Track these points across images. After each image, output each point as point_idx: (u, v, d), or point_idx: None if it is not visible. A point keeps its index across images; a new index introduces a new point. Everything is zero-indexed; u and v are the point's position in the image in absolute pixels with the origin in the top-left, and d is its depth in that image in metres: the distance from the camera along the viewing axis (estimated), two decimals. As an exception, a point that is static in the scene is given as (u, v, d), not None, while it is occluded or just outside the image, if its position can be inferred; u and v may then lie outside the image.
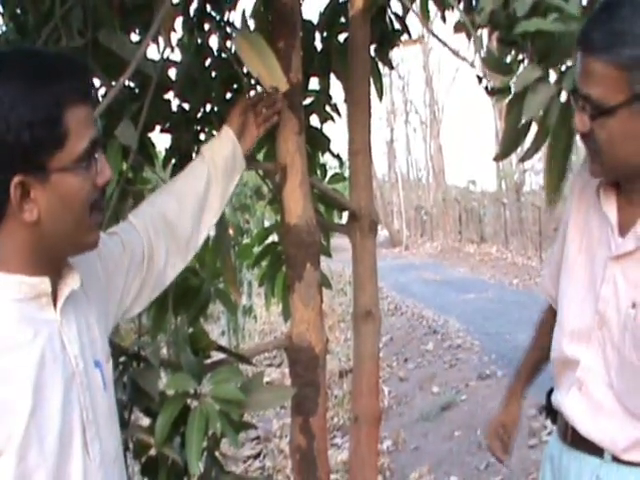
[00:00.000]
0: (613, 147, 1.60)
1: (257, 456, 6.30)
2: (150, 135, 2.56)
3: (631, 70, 1.51)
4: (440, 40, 2.36)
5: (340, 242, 3.06)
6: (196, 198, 1.92)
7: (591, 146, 1.64)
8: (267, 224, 7.25)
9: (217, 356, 1.92)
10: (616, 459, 1.76)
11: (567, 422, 1.87)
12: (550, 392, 2.05)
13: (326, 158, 3.07)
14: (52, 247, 1.33)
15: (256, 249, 3.14)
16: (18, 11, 2.11)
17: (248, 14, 2.47)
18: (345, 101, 2.63)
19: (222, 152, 2.00)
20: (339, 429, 6.88)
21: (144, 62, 1.88)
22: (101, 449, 1.39)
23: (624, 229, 1.73)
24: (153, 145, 2.63)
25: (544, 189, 2.02)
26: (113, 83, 1.87)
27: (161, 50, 2.16)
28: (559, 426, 1.95)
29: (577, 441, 1.85)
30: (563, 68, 1.85)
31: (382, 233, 32.60)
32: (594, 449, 1.80)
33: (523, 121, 1.84)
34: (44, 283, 1.32)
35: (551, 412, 2.05)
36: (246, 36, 1.94)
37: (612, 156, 1.62)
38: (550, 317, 2.11)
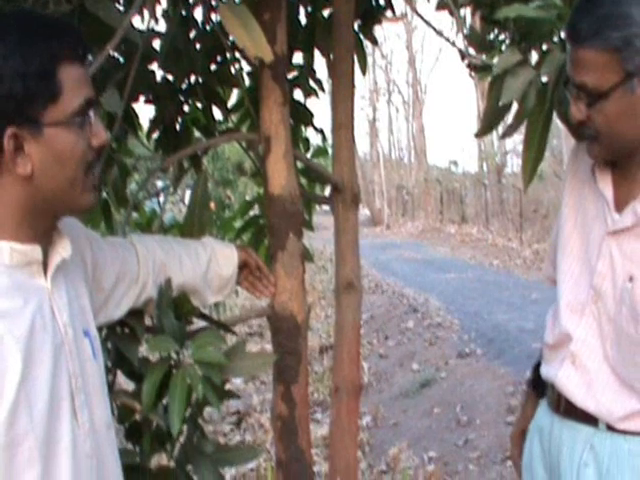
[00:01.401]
0: (611, 129, 1.63)
1: (237, 427, 6.34)
2: (134, 106, 2.58)
3: (622, 51, 1.55)
4: (423, 19, 2.38)
5: (321, 220, 3.08)
6: (195, 276, 1.92)
7: (589, 132, 1.67)
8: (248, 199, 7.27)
9: (198, 325, 1.94)
10: (610, 428, 1.79)
11: (560, 394, 1.89)
12: (537, 366, 2.08)
13: (309, 133, 3.09)
14: (46, 205, 1.34)
15: (238, 222, 3.17)
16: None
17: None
18: (329, 76, 2.65)
19: (224, 260, 2.02)
20: (319, 404, 6.92)
21: (130, 31, 1.88)
22: (90, 416, 1.40)
23: (620, 205, 1.76)
24: (137, 115, 2.64)
25: (521, 171, 2.06)
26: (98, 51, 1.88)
27: (146, 21, 2.16)
28: (550, 398, 1.97)
29: (570, 411, 1.87)
30: (544, 48, 1.88)
31: (363, 212, 32.68)
32: (588, 418, 1.83)
33: (502, 102, 1.88)
34: (35, 250, 1.33)
35: (538, 386, 2.09)
36: (232, 7, 1.95)
37: (611, 137, 1.66)
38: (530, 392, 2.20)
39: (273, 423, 2.21)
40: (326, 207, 2.55)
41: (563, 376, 1.86)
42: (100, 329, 1.66)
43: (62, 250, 1.40)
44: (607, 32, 1.55)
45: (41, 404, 1.27)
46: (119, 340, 1.78)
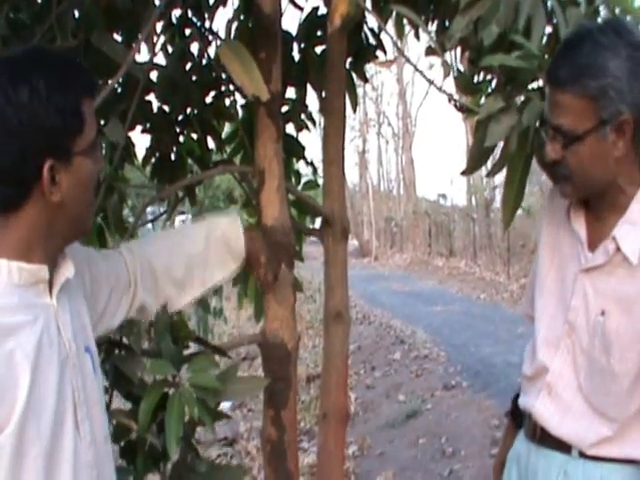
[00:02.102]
0: (583, 170, 1.74)
1: (230, 449, 6.38)
2: (130, 134, 2.65)
3: (597, 99, 1.66)
4: (411, 63, 2.47)
5: (309, 250, 3.15)
6: (185, 263, 1.97)
7: (563, 171, 1.78)
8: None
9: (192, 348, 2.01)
10: (583, 454, 1.88)
11: (536, 423, 1.98)
12: (516, 397, 2.17)
13: (300, 165, 3.16)
14: (64, 229, 1.45)
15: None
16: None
17: (230, 24, 2.58)
18: (320, 111, 2.73)
19: (225, 226, 2.07)
20: (306, 433, 6.96)
21: (132, 65, 1.97)
22: (91, 429, 1.48)
23: (593, 244, 1.87)
24: (133, 144, 2.72)
25: (502, 210, 2.16)
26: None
27: (144, 53, 2.25)
28: (527, 427, 2.06)
29: (546, 439, 1.96)
30: (523, 99, 1.99)
31: (352, 243, 32.67)
32: (562, 446, 1.92)
33: (486, 145, 1.98)
34: (43, 270, 1.42)
35: (517, 416, 2.17)
36: (230, 45, 2.04)
37: (583, 178, 1.76)
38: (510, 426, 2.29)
39: (262, 447, 2.27)
40: (314, 238, 2.62)
41: (540, 406, 1.95)
42: (99, 346, 1.73)
43: (66, 271, 1.49)
44: (585, 80, 1.66)
45: (47, 416, 1.35)
46: (120, 361, 1.85)
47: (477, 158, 2.15)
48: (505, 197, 2.12)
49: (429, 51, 2.31)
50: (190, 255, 1.98)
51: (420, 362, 9.75)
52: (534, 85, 2.04)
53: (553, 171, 1.83)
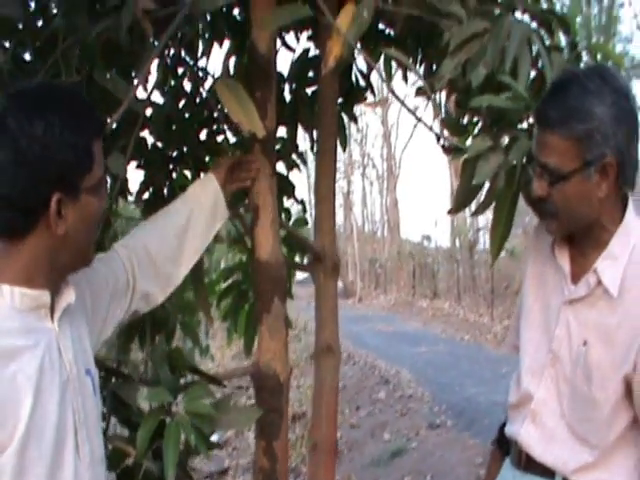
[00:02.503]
0: (569, 208, 1.81)
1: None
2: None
3: (583, 141, 1.74)
4: (401, 102, 2.54)
5: (295, 290, 3.20)
6: (177, 236, 2.07)
7: (549, 208, 1.84)
8: (222, 265, 7.33)
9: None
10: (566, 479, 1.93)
11: (521, 449, 2.04)
12: (502, 426, 2.22)
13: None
14: (66, 259, 1.50)
15: (219, 287, 3.27)
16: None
17: (226, 62, 2.65)
18: (311, 149, 2.81)
19: (206, 197, 2.16)
20: (293, 471, 6.94)
21: (133, 101, 2.04)
22: (90, 450, 1.52)
23: (576, 278, 1.94)
24: (127, 180, 2.77)
25: (489, 246, 2.23)
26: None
27: (140, 90, 2.30)
28: (513, 454, 2.11)
29: (531, 466, 2.01)
30: (510, 138, 2.06)
31: (336, 284, 32.59)
32: (546, 472, 1.97)
33: (474, 183, 2.05)
34: (45, 296, 1.47)
35: (503, 444, 2.22)
36: (227, 83, 2.11)
37: (568, 215, 1.83)
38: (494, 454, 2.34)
39: (255, 476, 2.30)
40: (300, 277, 2.68)
41: (525, 433, 2.01)
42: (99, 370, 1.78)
43: (68, 296, 1.54)
44: (572, 123, 1.74)
45: (49, 436, 1.40)
46: (118, 388, 1.89)
47: (464, 197, 2.22)
48: (493, 234, 2.19)
49: (419, 92, 2.38)
50: (179, 229, 2.07)
51: (405, 401, 9.75)
52: (521, 125, 2.12)
53: (540, 207, 1.89)
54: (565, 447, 1.93)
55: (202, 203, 2.14)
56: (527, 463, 2.02)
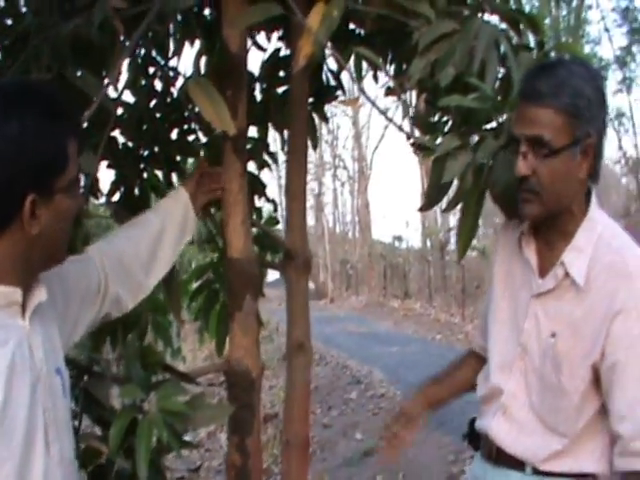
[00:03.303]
0: (553, 185, 1.84)
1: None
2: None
3: (574, 116, 1.79)
4: (371, 102, 2.57)
5: (266, 292, 3.21)
6: (149, 247, 2.10)
7: (531, 187, 1.86)
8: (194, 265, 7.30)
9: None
10: (536, 471, 1.96)
11: (492, 443, 2.07)
12: (472, 421, 2.25)
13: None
14: (39, 258, 1.50)
15: (191, 287, 3.27)
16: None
17: (198, 62, 2.66)
18: (282, 149, 2.82)
19: (177, 210, 2.20)
20: (264, 472, 6.93)
21: (105, 99, 2.04)
22: (60, 449, 1.51)
23: (543, 271, 1.98)
24: (97, 179, 2.76)
25: (456, 244, 2.26)
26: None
27: (110, 89, 2.31)
28: (484, 448, 2.14)
29: (501, 458, 2.04)
30: (478, 138, 2.10)
31: (308, 285, 32.60)
32: (517, 464, 2.00)
33: (443, 181, 2.08)
34: (17, 293, 1.47)
35: (473, 439, 2.25)
36: (199, 82, 2.12)
37: (552, 193, 1.85)
38: (469, 357, 2.42)
39: (227, 472, 2.31)
40: (271, 279, 2.69)
41: (495, 426, 2.04)
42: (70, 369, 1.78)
43: (39, 294, 1.54)
44: (565, 97, 1.78)
45: (18, 435, 1.39)
46: (90, 385, 1.90)
47: (434, 195, 2.24)
48: (460, 231, 2.22)
49: (389, 91, 2.41)
50: (151, 241, 2.10)
51: (377, 401, 9.78)
52: (488, 125, 2.15)
53: (520, 188, 1.91)
54: (535, 437, 1.97)
55: (173, 216, 2.18)
56: (498, 456, 2.05)
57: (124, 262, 2.00)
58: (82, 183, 1.61)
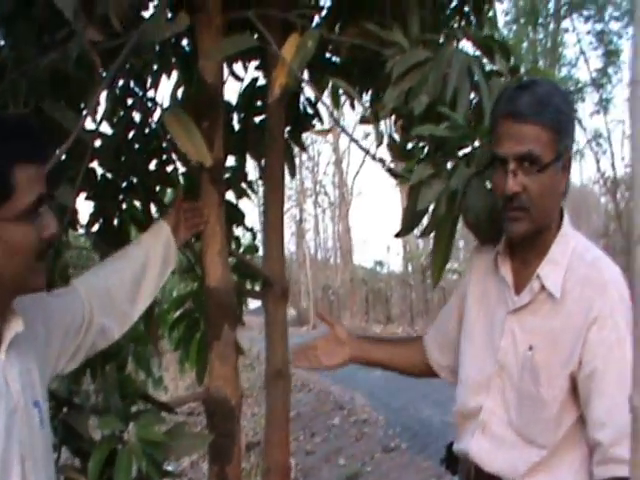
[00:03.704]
0: (543, 200, 1.89)
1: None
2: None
3: (557, 132, 1.85)
4: (347, 133, 2.62)
5: (247, 319, 3.22)
6: (133, 279, 2.11)
7: (522, 204, 1.89)
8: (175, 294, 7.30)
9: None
10: None
11: (470, 464, 2.07)
12: (449, 446, 2.26)
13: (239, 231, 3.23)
14: (2, 291, 1.48)
15: (171, 316, 3.28)
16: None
17: (175, 93, 2.68)
18: (260, 179, 2.84)
19: (159, 244, 2.21)
20: (247, 500, 6.92)
21: (82, 132, 2.05)
22: None
23: (519, 288, 2.02)
24: (76, 211, 2.76)
25: (431, 269, 2.29)
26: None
27: (89, 121, 2.32)
28: (462, 471, 2.15)
29: (480, 479, 2.05)
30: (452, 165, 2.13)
31: (289, 312, 32.55)
32: None
33: (419, 208, 2.11)
34: None
35: (450, 464, 2.26)
36: (175, 113, 2.14)
37: (541, 208, 1.90)
38: (418, 344, 2.43)
39: (208, 501, 2.32)
40: (252, 307, 2.71)
41: (475, 444, 2.05)
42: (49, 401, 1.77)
43: (15, 325, 1.53)
44: (548, 113, 1.84)
45: None
46: (69, 416, 1.89)
47: (410, 220, 2.27)
48: (434, 257, 2.25)
49: (363, 120, 2.44)
50: (135, 274, 2.12)
51: (359, 426, 9.76)
52: (461, 152, 2.18)
53: (508, 206, 1.93)
54: (514, 452, 1.98)
55: (155, 250, 2.19)
56: (476, 477, 2.06)
57: (109, 293, 2.01)
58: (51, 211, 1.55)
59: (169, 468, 2.04)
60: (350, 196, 38.61)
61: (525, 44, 22.43)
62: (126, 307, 2.07)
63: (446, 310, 2.36)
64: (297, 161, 35.19)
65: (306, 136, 3.09)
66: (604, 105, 22.87)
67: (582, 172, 61.93)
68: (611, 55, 21.97)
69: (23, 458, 1.47)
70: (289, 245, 41.08)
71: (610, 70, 22.46)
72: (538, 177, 1.86)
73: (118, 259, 2.15)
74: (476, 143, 2.15)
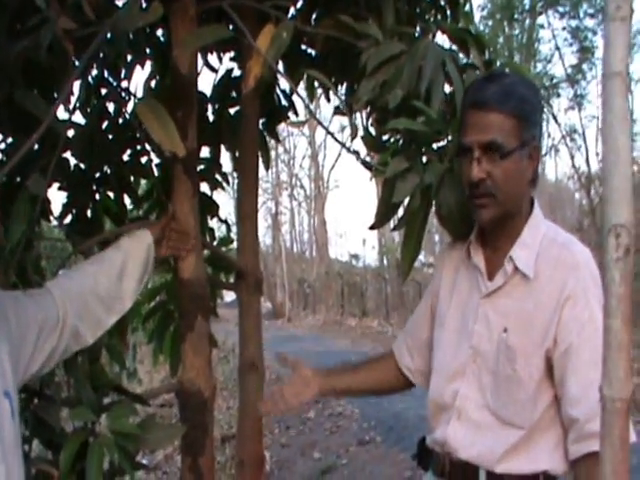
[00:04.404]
0: (507, 185, 1.92)
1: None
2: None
3: (521, 120, 1.89)
4: (322, 125, 2.61)
5: (222, 312, 3.20)
6: (110, 284, 2.08)
7: (486, 190, 1.92)
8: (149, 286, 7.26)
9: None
10: (490, 477, 1.97)
11: (444, 456, 2.07)
12: (421, 441, 2.26)
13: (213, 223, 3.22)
14: None
15: (145, 308, 3.26)
16: None
17: (148, 83, 2.67)
18: (234, 170, 2.83)
19: (139, 250, 2.18)
20: (222, 493, 6.90)
21: (54, 121, 2.04)
22: (7, 473, 1.49)
23: (492, 274, 2.04)
24: (49, 201, 2.73)
25: (400, 261, 2.30)
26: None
27: (61, 111, 2.30)
28: (436, 464, 2.13)
29: (454, 471, 2.05)
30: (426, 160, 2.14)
31: (265, 305, 32.55)
32: (469, 475, 2.00)
33: (394, 201, 2.11)
34: None
35: (422, 459, 2.26)
36: (148, 103, 2.12)
37: (506, 193, 1.93)
38: (388, 360, 2.40)
39: (181, 494, 2.31)
40: (228, 299, 2.70)
41: (451, 431, 2.05)
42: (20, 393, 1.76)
43: None
44: (513, 102, 1.88)
45: None
46: (40, 408, 1.88)
47: (384, 213, 2.28)
48: (404, 250, 2.26)
49: (337, 111, 2.44)
50: (112, 278, 2.09)
51: (334, 419, 9.77)
52: (436, 145, 2.19)
53: (476, 193, 1.95)
54: (491, 434, 1.99)
55: (135, 255, 2.17)
56: (451, 468, 2.06)
57: (83, 298, 1.98)
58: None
59: (143, 461, 2.03)
60: (326, 189, 38.64)
61: (501, 39, 22.50)
62: (100, 313, 2.04)
63: (417, 312, 2.37)
64: (273, 154, 35.19)
65: (282, 129, 3.08)
66: (579, 101, 23.01)
67: (557, 168, 62.39)
68: (586, 51, 22.08)
69: None
70: (265, 238, 41.14)
71: (585, 66, 22.59)
72: (502, 164, 1.90)
73: (95, 263, 2.12)
74: (449, 137, 2.15)
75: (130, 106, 2.78)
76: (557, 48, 22.78)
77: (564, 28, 22.17)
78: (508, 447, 1.95)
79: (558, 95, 23.83)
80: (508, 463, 1.96)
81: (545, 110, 21.21)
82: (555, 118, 23.20)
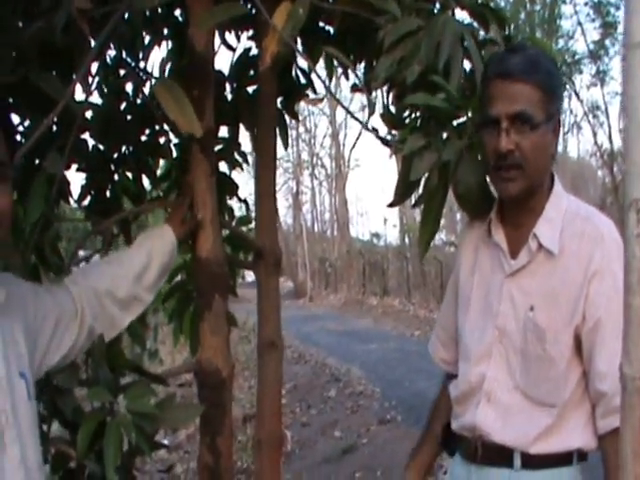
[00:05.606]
0: (536, 158, 1.90)
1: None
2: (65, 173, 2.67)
3: (548, 93, 1.88)
4: (340, 103, 2.60)
5: (244, 292, 3.20)
6: (128, 286, 2.05)
7: (515, 161, 1.91)
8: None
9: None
10: (525, 460, 1.96)
11: (475, 440, 2.06)
12: (446, 426, 2.24)
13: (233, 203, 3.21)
14: None
15: (164, 288, 3.27)
16: None
17: (165, 63, 2.65)
18: (253, 149, 2.81)
19: (163, 250, 2.17)
20: (243, 472, 6.93)
21: (70, 102, 2.03)
22: (22, 452, 1.50)
23: (514, 252, 2.02)
24: (68, 182, 2.74)
25: (418, 239, 2.28)
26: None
27: (79, 92, 2.29)
28: (465, 449, 2.12)
29: (487, 455, 2.04)
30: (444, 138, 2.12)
31: (286, 284, 32.66)
32: (504, 457, 1.99)
33: (411, 179, 2.09)
34: None
35: (448, 444, 2.25)
36: (165, 84, 2.11)
37: (535, 166, 1.92)
38: (444, 395, 2.34)
39: (199, 472, 2.31)
40: (249, 279, 2.69)
41: (481, 415, 2.04)
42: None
43: None
44: (540, 74, 1.88)
45: None
46: (54, 393, 1.88)
47: (403, 191, 2.26)
48: (422, 228, 2.25)
49: (355, 88, 2.41)
50: (131, 278, 2.07)
51: (355, 399, 9.81)
52: (455, 122, 2.17)
53: (503, 164, 1.92)
54: (523, 416, 1.98)
55: (158, 256, 2.15)
56: (483, 453, 2.04)
57: (100, 300, 1.97)
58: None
59: (164, 441, 2.03)
60: (347, 168, 38.56)
61: (522, 15, 22.30)
62: (115, 312, 2.03)
63: (444, 303, 2.36)
64: (294, 133, 35.15)
65: (303, 108, 3.06)
66: (601, 77, 22.77)
67: (579, 145, 61.81)
68: (608, 27, 21.81)
69: (3, 428, 1.46)
70: (286, 218, 41.16)
71: (607, 42, 22.33)
72: (530, 135, 1.88)
73: (114, 263, 2.11)
74: (469, 114, 2.13)
75: (148, 86, 2.77)
76: (579, 24, 22.57)
77: (586, 3, 21.91)
78: (541, 428, 1.95)
79: (580, 72, 23.64)
80: (542, 443, 1.95)
81: (567, 87, 21.07)
82: (577, 95, 23.02)
